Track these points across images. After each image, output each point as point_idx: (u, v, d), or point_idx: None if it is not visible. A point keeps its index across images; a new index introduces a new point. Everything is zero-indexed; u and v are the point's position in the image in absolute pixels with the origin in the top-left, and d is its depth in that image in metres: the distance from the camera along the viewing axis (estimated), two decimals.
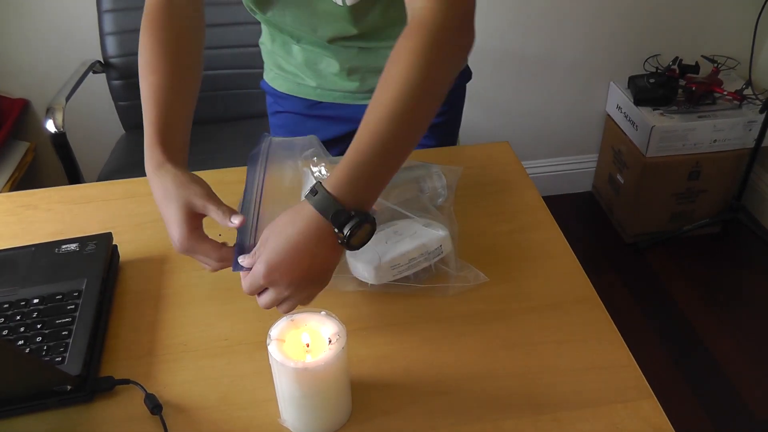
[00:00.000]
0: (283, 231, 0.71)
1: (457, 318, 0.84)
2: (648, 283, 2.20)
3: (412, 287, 0.87)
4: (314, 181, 0.76)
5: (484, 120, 2.37)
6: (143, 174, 1.32)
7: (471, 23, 0.83)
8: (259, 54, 1.24)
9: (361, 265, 0.83)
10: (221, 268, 0.80)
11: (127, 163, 1.77)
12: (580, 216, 2.52)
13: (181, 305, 0.86)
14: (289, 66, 1.18)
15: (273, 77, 1.23)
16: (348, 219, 0.70)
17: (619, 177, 2.35)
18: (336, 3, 0.98)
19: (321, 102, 1.20)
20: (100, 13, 1.82)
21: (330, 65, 1.13)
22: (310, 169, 0.90)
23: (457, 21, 0.80)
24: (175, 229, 0.78)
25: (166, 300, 0.87)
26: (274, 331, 0.67)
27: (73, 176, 1.63)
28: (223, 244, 0.79)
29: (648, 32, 2.27)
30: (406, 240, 0.84)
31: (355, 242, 0.72)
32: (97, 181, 1.70)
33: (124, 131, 1.93)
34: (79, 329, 0.77)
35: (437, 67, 0.77)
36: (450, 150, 1.18)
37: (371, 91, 0.99)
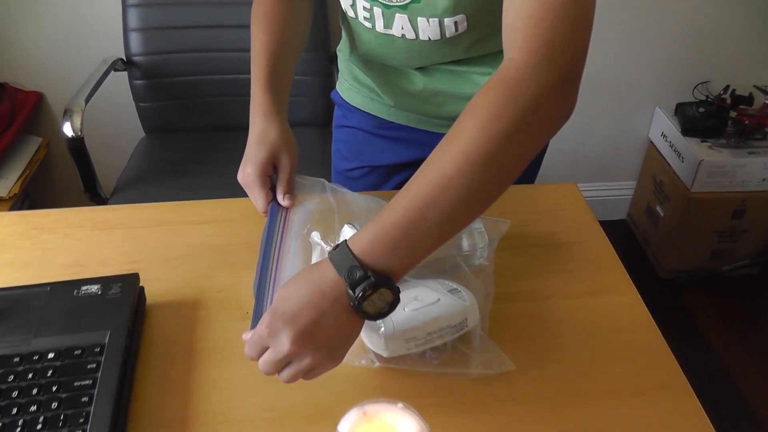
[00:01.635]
0: (295, 283, 0.64)
1: (532, 399, 0.72)
2: (683, 322, 2.10)
3: (425, 369, 0.74)
4: (323, 249, 0.75)
5: None
6: (164, 182, 1.22)
7: (573, 88, 0.69)
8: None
9: (372, 333, 0.72)
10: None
11: (147, 170, 1.65)
12: (614, 246, 2.40)
13: (218, 363, 0.74)
14: (366, 80, 1.09)
15: (346, 88, 1.15)
16: (363, 279, 0.61)
17: (658, 209, 2.24)
18: (422, 40, 0.90)
19: (392, 122, 1.10)
20: (124, 8, 1.71)
21: (412, 83, 1.01)
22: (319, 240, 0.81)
23: (554, 83, 0.66)
24: (250, 166, 0.84)
25: (200, 356, 0.75)
26: (344, 426, 0.56)
27: (89, 181, 1.52)
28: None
29: (699, 57, 2.15)
30: (426, 309, 0.72)
31: (369, 309, 0.62)
32: (114, 187, 1.59)
33: (144, 134, 1.82)
34: (101, 395, 0.65)
35: (513, 136, 0.64)
36: (511, 190, 1.05)
37: (448, 118, 0.89)
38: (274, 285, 0.76)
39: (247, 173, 0.84)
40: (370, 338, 0.72)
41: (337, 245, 0.63)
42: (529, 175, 1.17)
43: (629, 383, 0.75)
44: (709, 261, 2.22)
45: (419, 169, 0.65)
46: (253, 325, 0.70)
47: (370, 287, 0.61)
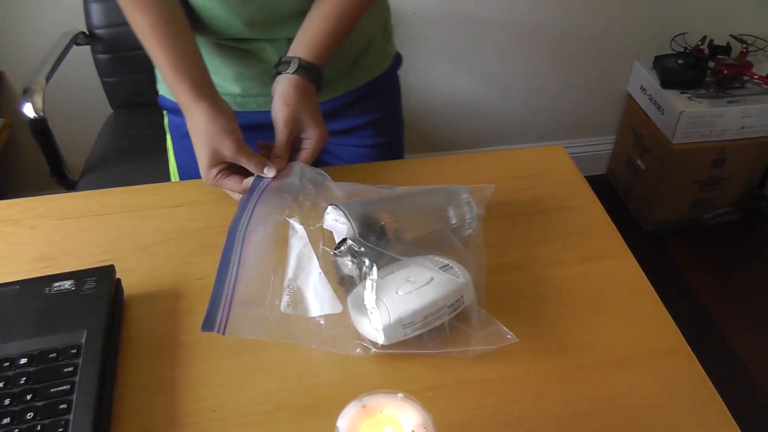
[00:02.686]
0: (309, 104, 0.87)
1: (533, 374, 0.69)
2: (667, 272, 2.11)
3: (424, 351, 0.70)
4: (302, 235, 0.75)
5: (496, 98, 2.21)
6: (135, 160, 1.14)
7: None
8: None
9: (367, 321, 0.68)
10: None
11: (116, 148, 1.59)
12: None
13: (204, 356, 0.71)
14: None
15: None
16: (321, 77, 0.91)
17: (639, 162, 2.22)
18: None
19: (241, 112, 1.03)
20: None
21: (265, 61, 0.98)
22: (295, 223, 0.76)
23: None
24: (202, 168, 0.82)
25: (185, 349, 0.71)
26: (343, 422, 0.53)
27: (56, 164, 1.46)
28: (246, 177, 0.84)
29: (675, 9, 2.12)
30: (421, 290, 0.68)
31: None
32: (83, 168, 1.53)
33: (111, 110, 1.75)
34: (81, 400, 0.61)
35: None
36: (495, 155, 1.02)
37: None
38: (239, 265, 0.72)
39: (206, 179, 0.83)
40: (365, 326, 0.69)
41: (303, 66, 0.88)
42: (396, 133, 1.20)
43: (630, 351, 0.72)
44: (691, 210, 2.23)
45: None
46: (210, 309, 0.67)
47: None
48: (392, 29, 1.15)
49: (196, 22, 0.95)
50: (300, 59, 0.89)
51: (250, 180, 0.83)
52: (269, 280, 0.72)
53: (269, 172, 0.83)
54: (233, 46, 0.98)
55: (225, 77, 1.01)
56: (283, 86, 0.87)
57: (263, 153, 0.87)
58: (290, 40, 0.96)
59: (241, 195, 0.83)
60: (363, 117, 1.12)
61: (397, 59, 1.17)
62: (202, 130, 0.82)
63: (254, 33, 0.96)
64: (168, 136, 1.15)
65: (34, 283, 0.72)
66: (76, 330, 0.67)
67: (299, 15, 0.94)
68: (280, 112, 0.86)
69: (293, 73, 0.88)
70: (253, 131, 1.00)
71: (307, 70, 0.88)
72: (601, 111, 2.33)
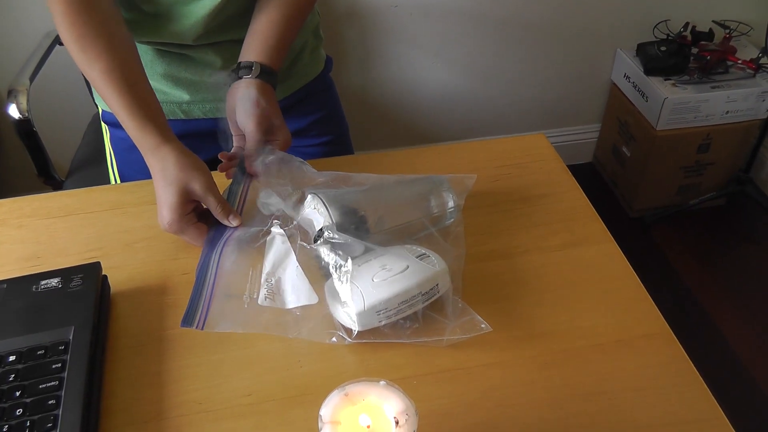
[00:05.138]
0: (275, 107, 0.89)
1: (515, 361, 0.71)
2: (654, 258, 2.12)
3: (399, 340, 0.71)
4: (281, 231, 0.78)
5: (480, 90, 2.22)
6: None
7: None
8: None
9: (341, 308, 0.70)
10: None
11: (103, 147, 1.59)
12: (582, 188, 2.40)
13: (190, 350, 0.72)
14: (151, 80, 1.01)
15: None
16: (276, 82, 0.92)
17: (625, 149, 2.23)
18: None
19: (190, 119, 1.04)
20: None
21: (210, 66, 1.00)
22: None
23: None
24: (166, 211, 0.78)
25: (171, 343, 0.72)
26: (326, 411, 0.54)
27: (42, 165, 1.46)
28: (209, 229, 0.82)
29: None
30: (395, 278, 0.69)
31: None
32: (70, 168, 1.53)
33: (96, 109, 1.75)
34: (69, 396, 0.62)
35: None
36: (477, 145, 1.04)
37: None
38: (219, 263, 0.74)
39: (170, 223, 0.79)
40: (340, 313, 0.70)
41: (263, 70, 0.90)
42: (346, 148, 1.23)
43: (612, 335, 0.74)
44: (677, 196, 2.24)
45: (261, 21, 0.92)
46: (189, 306, 0.70)
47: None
48: (323, 35, 1.17)
49: (139, 29, 0.95)
50: (261, 64, 0.90)
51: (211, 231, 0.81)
52: (247, 274, 0.73)
53: (234, 221, 0.81)
54: (176, 52, 0.99)
55: (170, 84, 1.02)
56: (249, 90, 0.88)
57: (227, 163, 0.87)
58: (232, 42, 0.98)
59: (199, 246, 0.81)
60: (306, 118, 1.15)
61: (329, 62, 1.20)
62: (172, 166, 0.79)
63: (199, 39, 0.97)
64: (109, 151, 1.16)
65: (22, 281, 0.73)
66: (64, 327, 0.68)
67: (239, 17, 0.96)
68: (250, 113, 0.86)
69: (257, 77, 0.88)
70: (198, 139, 1.02)
71: (268, 75, 0.90)
72: (586, 100, 2.34)
